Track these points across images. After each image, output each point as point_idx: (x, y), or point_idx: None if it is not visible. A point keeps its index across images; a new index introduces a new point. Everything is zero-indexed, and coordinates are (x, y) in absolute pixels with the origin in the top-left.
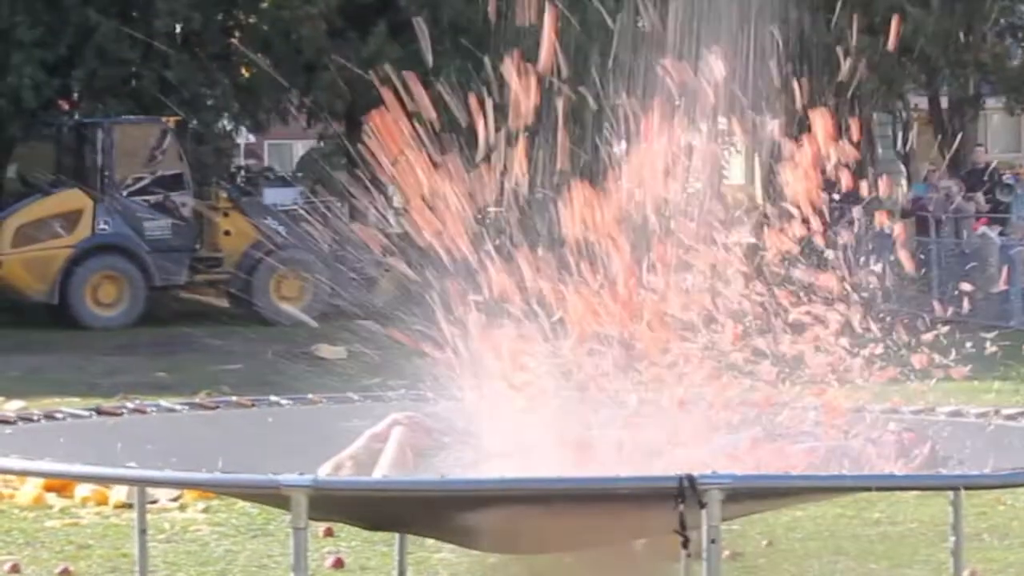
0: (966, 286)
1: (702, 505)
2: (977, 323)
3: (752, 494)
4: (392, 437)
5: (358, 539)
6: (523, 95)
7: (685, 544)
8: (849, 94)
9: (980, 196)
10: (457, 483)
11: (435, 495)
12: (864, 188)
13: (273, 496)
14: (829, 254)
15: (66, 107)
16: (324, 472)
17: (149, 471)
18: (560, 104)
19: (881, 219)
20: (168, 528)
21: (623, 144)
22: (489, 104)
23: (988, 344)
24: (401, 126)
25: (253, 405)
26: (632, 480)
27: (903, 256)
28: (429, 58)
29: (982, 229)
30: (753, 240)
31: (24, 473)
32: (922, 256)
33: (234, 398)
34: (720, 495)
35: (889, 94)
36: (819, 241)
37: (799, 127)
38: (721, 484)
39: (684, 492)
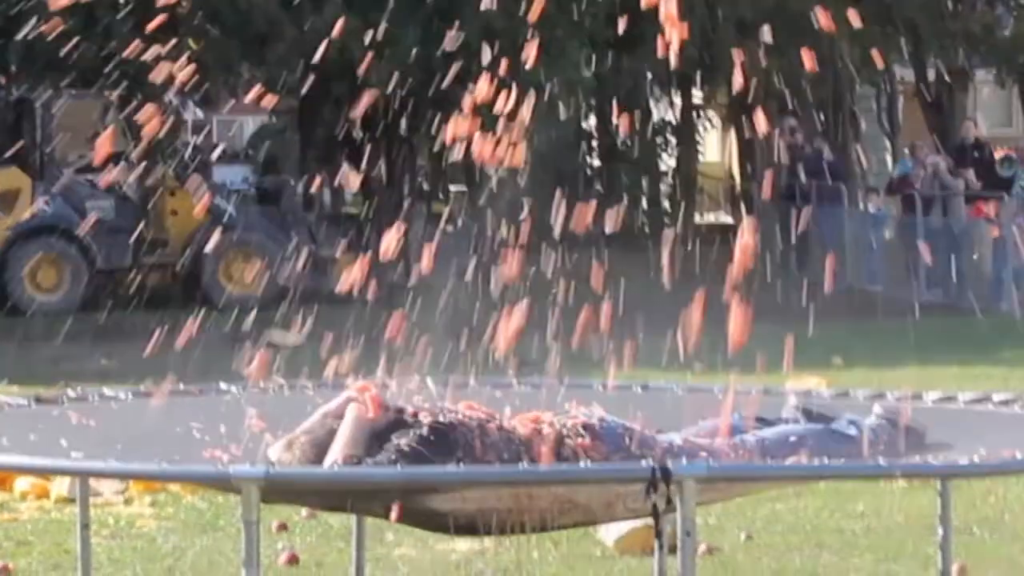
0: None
1: (668, 500)
2: (966, 306)
3: (728, 482)
4: (347, 415)
5: (313, 535)
6: None
7: (658, 535)
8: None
9: (970, 173)
10: (417, 474)
11: (392, 485)
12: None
13: (223, 488)
14: None
15: (2, 81)
16: (276, 450)
17: (92, 462)
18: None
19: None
20: (113, 523)
21: None
22: None
23: (977, 328)
24: None
25: (202, 392)
26: (603, 469)
27: None
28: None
29: (982, 222)
30: (730, 220)
31: None
32: (908, 237)
33: (181, 386)
34: (695, 485)
35: (874, 69)
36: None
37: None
38: (696, 473)
39: (656, 482)
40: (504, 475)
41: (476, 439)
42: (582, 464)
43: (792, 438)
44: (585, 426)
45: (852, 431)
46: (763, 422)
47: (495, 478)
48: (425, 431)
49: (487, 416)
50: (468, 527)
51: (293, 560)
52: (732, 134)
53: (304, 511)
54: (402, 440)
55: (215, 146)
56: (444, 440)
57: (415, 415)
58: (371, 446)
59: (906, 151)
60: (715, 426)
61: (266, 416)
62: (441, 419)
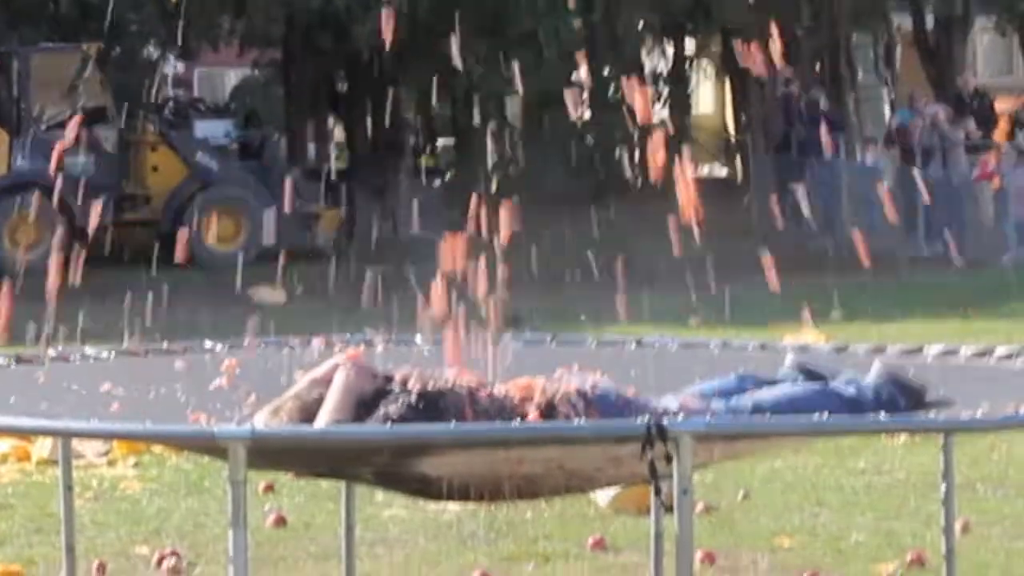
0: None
1: (667, 458)
2: (967, 260)
3: (726, 440)
4: (335, 381)
5: (301, 495)
6: None
7: (657, 492)
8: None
9: (970, 122)
10: (405, 433)
11: (380, 445)
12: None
13: (208, 448)
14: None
15: None
16: (263, 417)
17: (74, 422)
18: None
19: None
20: (96, 485)
21: None
22: None
23: (979, 281)
24: None
25: (186, 351)
26: (596, 427)
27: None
28: None
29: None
30: (725, 172)
31: None
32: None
33: (165, 344)
34: (691, 441)
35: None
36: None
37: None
38: (692, 429)
39: (652, 439)
40: (495, 433)
41: (466, 406)
42: (576, 422)
43: (789, 400)
44: (578, 392)
45: (851, 390)
46: (761, 383)
47: (485, 437)
48: (414, 398)
49: (478, 383)
50: (459, 492)
51: (281, 521)
52: (726, 85)
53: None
54: (391, 407)
55: (197, 99)
56: (433, 407)
57: (404, 382)
58: (359, 413)
59: (905, 101)
60: (713, 388)
61: (253, 375)
62: (430, 386)
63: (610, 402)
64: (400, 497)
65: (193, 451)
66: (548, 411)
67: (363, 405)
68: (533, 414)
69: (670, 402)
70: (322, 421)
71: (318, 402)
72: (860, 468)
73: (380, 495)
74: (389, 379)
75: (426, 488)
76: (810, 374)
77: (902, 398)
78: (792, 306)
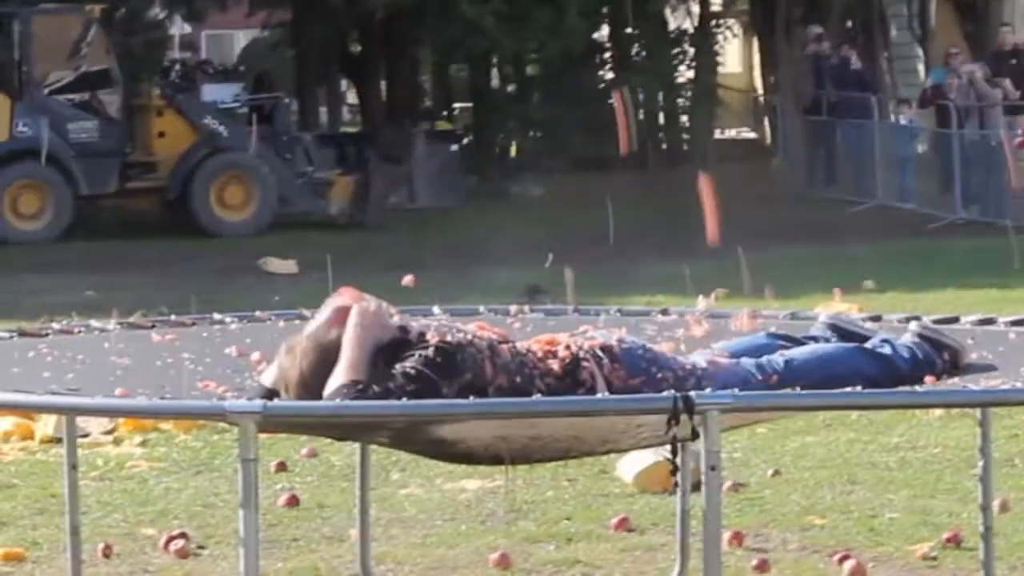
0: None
1: (694, 433)
2: (1007, 224)
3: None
4: (350, 326)
5: (314, 474)
6: None
7: (674, 471)
8: None
9: (1007, 82)
10: (428, 407)
11: (394, 419)
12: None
13: (218, 423)
14: None
15: None
16: (279, 356)
17: (79, 399)
18: None
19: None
20: (101, 464)
21: None
22: None
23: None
24: None
25: (194, 324)
26: (621, 401)
27: None
28: None
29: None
30: (753, 135)
31: None
32: (943, 150)
33: (172, 317)
34: (720, 416)
35: None
36: None
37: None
38: (721, 403)
39: (678, 413)
40: (513, 407)
41: (486, 360)
42: (599, 395)
43: (820, 359)
44: (604, 347)
45: (886, 350)
46: (792, 341)
47: (504, 411)
48: (431, 352)
49: (499, 337)
50: (478, 454)
51: (293, 501)
52: (754, 43)
53: (304, 449)
54: (407, 363)
55: (204, 62)
56: (451, 361)
57: (421, 335)
58: (375, 369)
59: (940, 59)
60: (743, 345)
61: (263, 348)
62: (449, 339)
63: (637, 356)
64: (417, 476)
65: (203, 426)
66: (572, 366)
67: (380, 359)
68: (556, 367)
69: (698, 359)
70: (337, 380)
71: (335, 344)
72: (894, 443)
73: (396, 474)
74: (406, 329)
75: (444, 450)
76: (843, 332)
77: (939, 358)
78: (823, 274)
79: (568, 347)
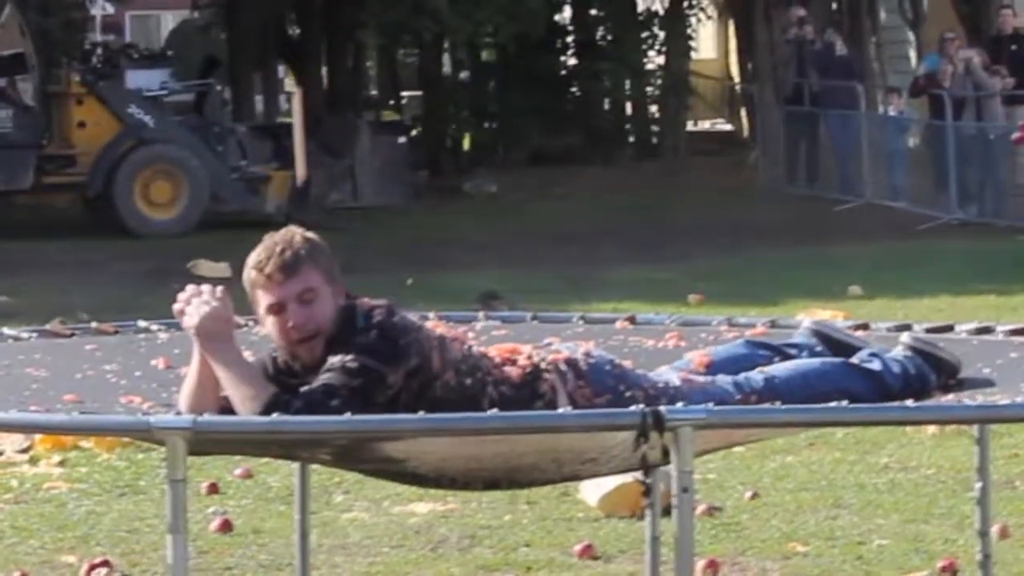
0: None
1: (664, 451)
2: (1005, 224)
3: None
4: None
5: (249, 496)
6: None
7: (646, 493)
8: None
9: (1004, 69)
10: (364, 424)
11: (337, 435)
12: None
13: (144, 440)
14: None
15: None
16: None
17: None
18: None
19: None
20: (17, 486)
21: None
22: None
23: (1018, 250)
24: None
25: (117, 332)
26: (583, 416)
27: None
28: None
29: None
30: (729, 127)
31: None
32: (936, 144)
33: (94, 324)
34: (693, 432)
35: None
36: None
37: None
38: (694, 419)
39: (647, 429)
40: (467, 423)
41: (434, 351)
42: (561, 410)
43: (804, 375)
44: (568, 362)
45: (875, 365)
46: (772, 349)
47: (456, 427)
48: (373, 336)
49: (453, 336)
50: (429, 477)
51: (226, 526)
52: (730, 27)
53: (238, 469)
54: (346, 357)
55: (128, 46)
56: (393, 348)
57: (370, 310)
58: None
59: (934, 44)
60: (719, 355)
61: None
62: (396, 320)
63: (604, 372)
64: (362, 498)
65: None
66: (531, 376)
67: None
68: (514, 374)
69: (671, 377)
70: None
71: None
72: (883, 464)
73: (339, 496)
74: (351, 308)
75: (392, 470)
76: (828, 340)
77: (933, 372)
78: (805, 279)
79: (529, 357)
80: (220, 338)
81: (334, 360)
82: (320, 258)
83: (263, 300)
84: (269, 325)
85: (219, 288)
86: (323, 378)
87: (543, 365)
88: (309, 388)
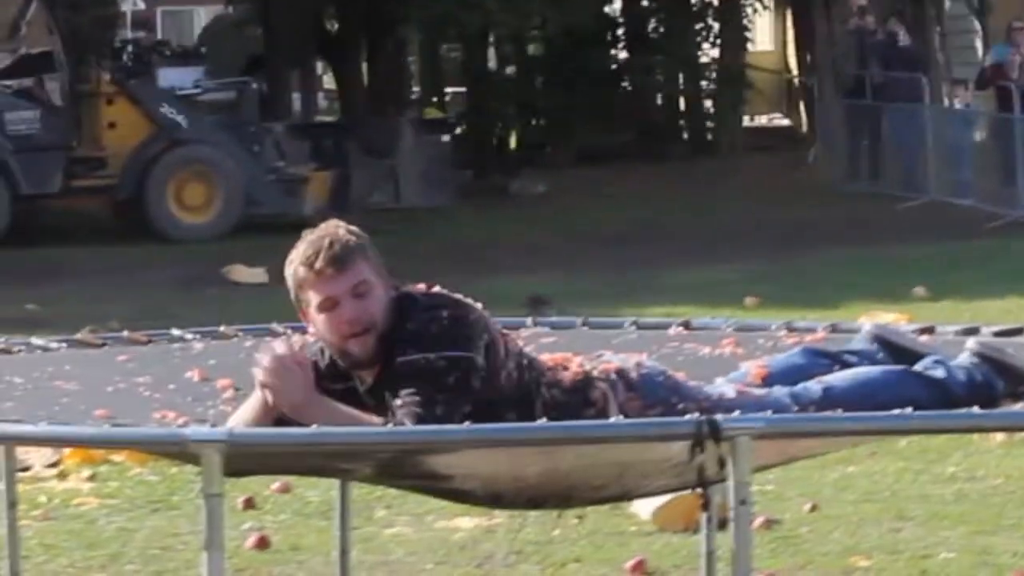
0: None
1: (720, 462)
2: None
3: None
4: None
5: (287, 511)
6: None
7: (705, 506)
8: None
9: None
10: (408, 435)
11: (380, 448)
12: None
13: (179, 454)
14: None
15: None
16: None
17: (19, 426)
18: None
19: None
20: (45, 502)
21: None
22: None
23: None
24: None
25: (150, 342)
26: (637, 426)
27: None
28: None
29: None
30: (787, 122)
31: None
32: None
33: (126, 333)
34: (750, 442)
35: None
36: None
37: None
38: (751, 427)
39: (703, 439)
40: (517, 433)
41: (498, 334)
42: (612, 419)
43: (863, 385)
44: (619, 372)
45: (939, 373)
46: (832, 357)
47: (506, 437)
48: (444, 323)
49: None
50: (477, 493)
51: (263, 543)
52: (788, 17)
53: (276, 483)
54: (428, 356)
55: (160, 43)
56: (465, 326)
57: (428, 288)
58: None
59: (1002, 34)
60: (777, 366)
61: (230, 369)
62: (458, 298)
63: (656, 384)
64: (404, 513)
65: (160, 457)
66: (583, 383)
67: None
68: (566, 379)
69: (725, 389)
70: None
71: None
72: (950, 473)
73: (381, 511)
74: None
75: (434, 485)
76: (890, 346)
77: (1001, 380)
78: (867, 280)
79: (581, 365)
80: (312, 403)
81: (411, 361)
82: (368, 250)
83: (315, 297)
84: (320, 323)
85: (295, 342)
86: (411, 388)
87: (595, 373)
88: (404, 405)
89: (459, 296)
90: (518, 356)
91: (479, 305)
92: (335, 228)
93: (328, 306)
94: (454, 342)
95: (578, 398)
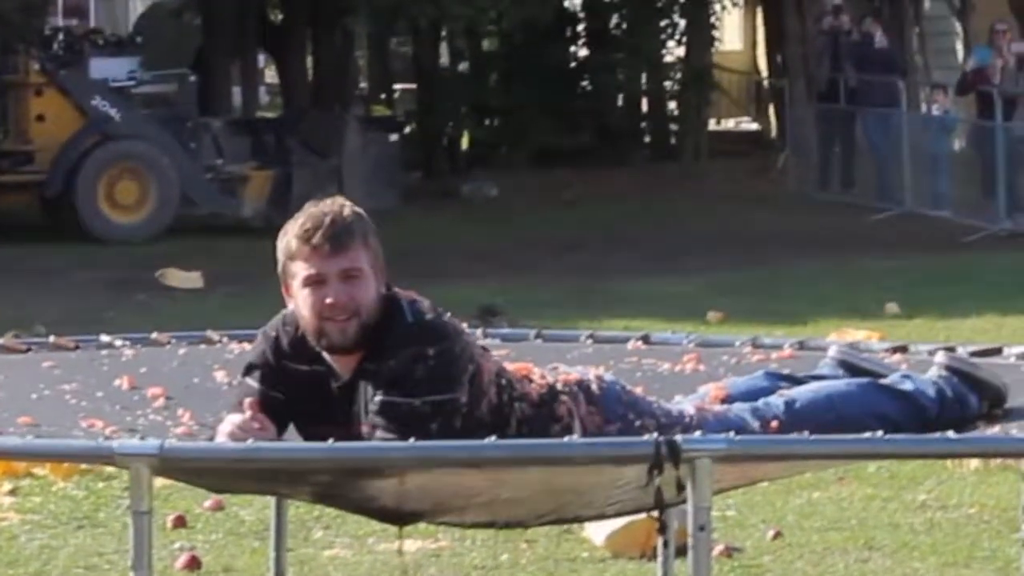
0: None
1: (679, 486)
2: None
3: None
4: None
5: (220, 531)
6: None
7: (662, 531)
8: None
9: None
10: (351, 452)
11: (322, 466)
12: None
13: (106, 463)
14: None
15: None
16: None
17: None
18: None
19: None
20: None
21: None
22: None
23: None
24: None
25: (78, 347)
26: (592, 446)
27: None
28: None
29: None
30: (756, 126)
31: None
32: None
33: (52, 339)
34: (711, 465)
35: None
36: None
37: None
38: (713, 449)
39: (661, 461)
40: (468, 452)
41: (481, 358)
42: (567, 439)
43: (828, 398)
44: (580, 384)
45: (907, 386)
46: (795, 382)
47: (456, 456)
48: (431, 363)
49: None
50: (422, 515)
51: (194, 564)
52: (758, 15)
53: (208, 501)
54: (413, 402)
55: (93, 31)
56: (452, 363)
57: (413, 303)
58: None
59: (983, 36)
60: (737, 388)
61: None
62: (447, 320)
63: (615, 399)
64: (344, 534)
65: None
66: (548, 397)
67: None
68: (533, 392)
69: (685, 406)
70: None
71: None
72: (920, 501)
73: (318, 531)
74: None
75: (381, 511)
76: (857, 372)
77: (973, 395)
78: (838, 295)
79: (543, 376)
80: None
81: (395, 404)
82: (369, 236)
83: (301, 271)
84: (301, 298)
85: (247, 405)
86: (393, 432)
87: (559, 386)
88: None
89: (443, 317)
90: (496, 376)
91: (463, 325)
92: (340, 206)
93: (313, 283)
94: (439, 385)
95: (544, 412)
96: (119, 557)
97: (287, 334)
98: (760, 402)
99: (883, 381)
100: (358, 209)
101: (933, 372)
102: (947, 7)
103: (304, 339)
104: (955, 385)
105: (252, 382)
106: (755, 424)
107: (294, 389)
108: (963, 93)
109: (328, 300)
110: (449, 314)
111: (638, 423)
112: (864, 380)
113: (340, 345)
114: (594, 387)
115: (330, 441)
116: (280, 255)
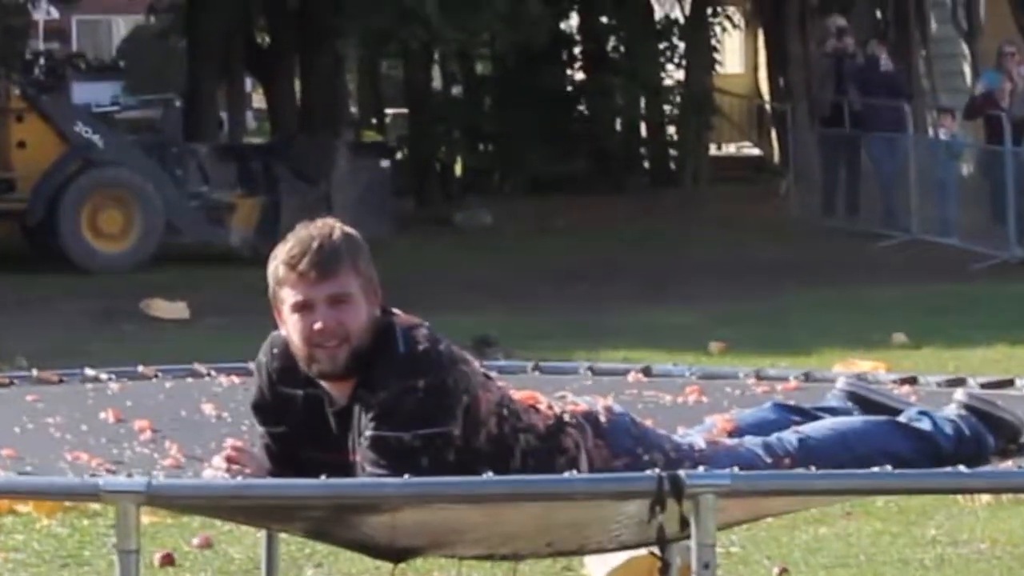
0: None
1: (683, 522)
2: None
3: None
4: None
5: (208, 569)
6: None
7: (664, 571)
8: None
9: None
10: (344, 489)
11: (314, 503)
12: None
13: (91, 501)
14: None
15: None
16: None
17: None
18: None
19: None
20: None
21: None
22: None
23: None
24: None
25: (61, 381)
26: (592, 481)
27: None
28: None
29: None
30: (758, 151)
31: None
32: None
33: (35, 372)
34: (715, 501)
35: None
36: None
37: None
38: (717, 485)
39: (663, 497)
40: (465, 488)
41: (480, 389)
42: (567, 475)
43: (843, 436)
44: (588, 416)
45: (925, 425)
46: (803, 414)
47: (452, 493)
48: (420, 393)
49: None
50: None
51: None
52: (759, 38)
53: (196, 539)
54: (402, 436)
55: (76, 55)
56: (444, 395)
57: (409, 329)
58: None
59: (992, 59)
60: (746, 420)
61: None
62: (442, 349)
63: (623, 432)
64: (336, 572)
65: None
66: (555, 428)
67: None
68: (540, 424)
69: (695, 439)
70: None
71: None
72: (931, 536)
73: (309, 570)
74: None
75: (375, 547)
76: (866, 403)
77: (991, 436)
78: (843, 325)
79: (550, 406)
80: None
81: (384, 438)
82: (360, 259)
83: (289, 297)
84: (291, 324)
85: (228, 445)
86: (383, 468)
87: (566, 417)
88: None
89: (438, 346)
90: (498, 406)
91: (465, 354)
92: (329, 229)
93: (301, 309)
94: (430, 419)
95: (551, 444)
96: None
97: (277, 358)
98: (773, 437)
99: (900, 419)
100: (349, 230)
101: (952, 410)
102: (954, 29)
103: (296, 362)
104: (973, 425)
105: (257, 425)
106: (768, 460)
107: (293, 415)
108: (971, 118)
109: (316, 326)
110: (447, 342)
111: (646, 457)
112: (881, 418)
113: (331, 372)
114: (602, 419)
115: (322, 477)
116: (270, 280)
